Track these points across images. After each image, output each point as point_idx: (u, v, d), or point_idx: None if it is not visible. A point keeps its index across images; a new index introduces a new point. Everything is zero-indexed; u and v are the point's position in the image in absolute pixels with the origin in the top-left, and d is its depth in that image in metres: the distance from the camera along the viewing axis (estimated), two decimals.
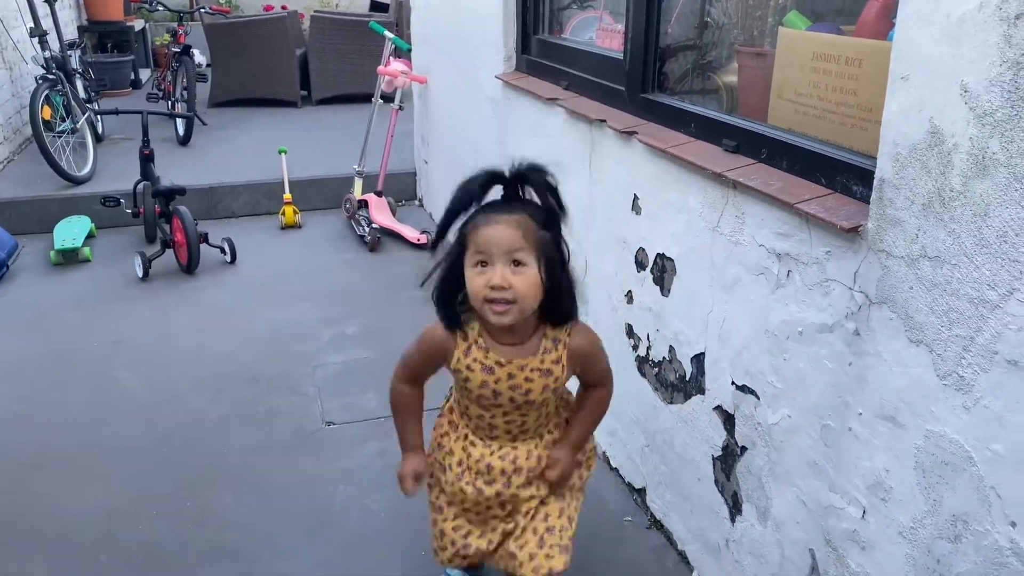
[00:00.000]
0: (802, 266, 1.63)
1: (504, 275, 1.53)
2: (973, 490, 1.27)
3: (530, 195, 1.60)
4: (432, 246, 1.68)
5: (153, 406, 3.00)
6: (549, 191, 1.58)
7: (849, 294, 1.51)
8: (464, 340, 1.66)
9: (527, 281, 1.54)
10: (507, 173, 1.58)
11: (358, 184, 4.89)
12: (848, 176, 1.56)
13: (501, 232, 1.53)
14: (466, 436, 1.78)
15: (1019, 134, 1.14)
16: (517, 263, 1.54)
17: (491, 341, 1.65)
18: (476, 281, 1.56)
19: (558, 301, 1.62)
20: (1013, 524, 1.21)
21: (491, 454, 1.75)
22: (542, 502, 1.80)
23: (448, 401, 1.88)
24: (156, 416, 2.94)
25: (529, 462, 1.76)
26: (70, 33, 7.38)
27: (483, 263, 1.55)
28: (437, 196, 4.84)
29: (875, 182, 1.41)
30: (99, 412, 2.96)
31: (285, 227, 4.97)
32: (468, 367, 1.66)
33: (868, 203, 1.44)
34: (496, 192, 1.60)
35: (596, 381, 1.80)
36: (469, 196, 1.56)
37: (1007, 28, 1.14)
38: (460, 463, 1.77)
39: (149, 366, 3.29)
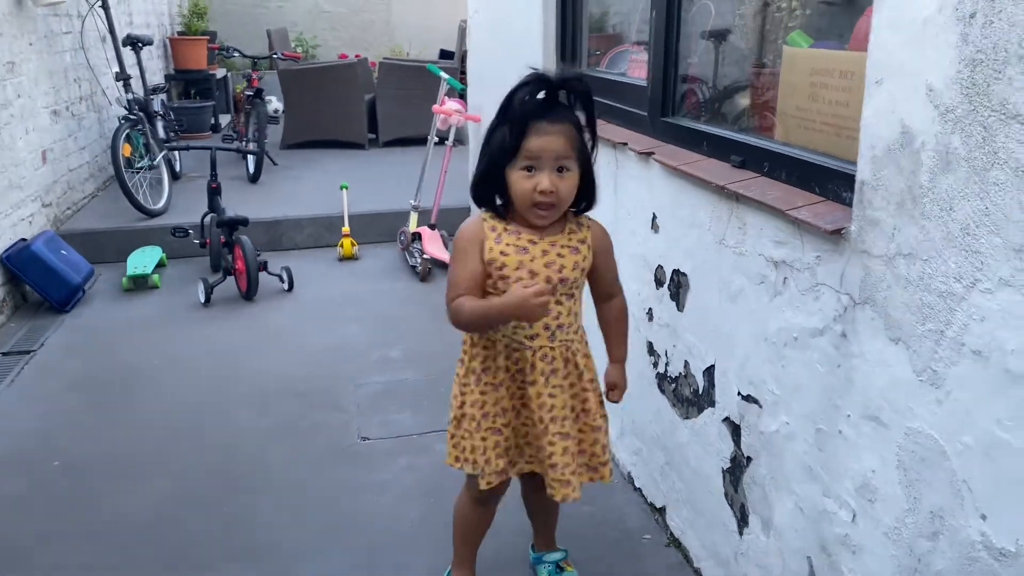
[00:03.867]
0: (796, 272, 1.67)
1: (552, 180, 1.69)
2: (947, 484, 1.28)
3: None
4: (485, 142, 1.81)
5: (202, 418, 3.16)
6: (586, 98, 1.75)
7: (836, 297, 1.53)
8: (493, 231, 1.79)
9: (570, 186, 1.73)
10: (553, 80, 1.73)
11: (413, 218, 5.06)
12: (838, 183, 1.59)
13: (551, 142, 1.68)
14: (506, 346, 1.83)
15: (977, 128, 1.17)
16: (562, 169, 1.71)
17: (520, 226, 1.79)
18: (524, 185, 1.71)
19: (587, 195, 1.81)
20: (983, 517, 1.21)
21: (532, 355, 1.81)
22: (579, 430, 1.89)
23: (471, 337, 1.90)
24: (204, 427, 3.09)
25: (566, 367, 1.85)
26: (156, 79, 7.88)
27: (529, 168, 1.70)
28: None
29: (856, 185, 1.45)
30: (152, 422, 3.14)
31: (343, 258, 5.16)
32: (502, 252, 1.77)
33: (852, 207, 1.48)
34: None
35: (611, 285, 1.94)
36: (522, 100, 1.70)
37: (964, 27, 1.18)
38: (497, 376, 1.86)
39: (203, 382, 3.46)
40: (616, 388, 1.99)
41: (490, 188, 1.80)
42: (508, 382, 1.87)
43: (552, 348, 1.83)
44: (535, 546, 2.24)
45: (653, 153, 2.29)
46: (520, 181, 1.72)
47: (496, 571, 2.24)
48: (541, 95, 1.73)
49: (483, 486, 1.92)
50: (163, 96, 6.88)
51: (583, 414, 1.91)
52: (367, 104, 7.87)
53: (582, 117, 1.77)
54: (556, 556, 2.20)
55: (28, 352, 3.78)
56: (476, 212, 1.89)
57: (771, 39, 2.18)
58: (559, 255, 1.79)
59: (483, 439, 1.88)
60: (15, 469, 2.82)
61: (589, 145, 1.79)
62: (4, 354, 3.76)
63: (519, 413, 1.90)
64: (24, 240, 4.42)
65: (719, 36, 2.38)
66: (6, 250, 4.25)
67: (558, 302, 1.81)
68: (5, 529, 2.50)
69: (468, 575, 2.14)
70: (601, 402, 1.95)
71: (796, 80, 1.86)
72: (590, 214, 1.89)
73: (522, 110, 1.71)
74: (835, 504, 1.58)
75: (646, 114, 2.49)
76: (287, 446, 2.96)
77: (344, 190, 5.33)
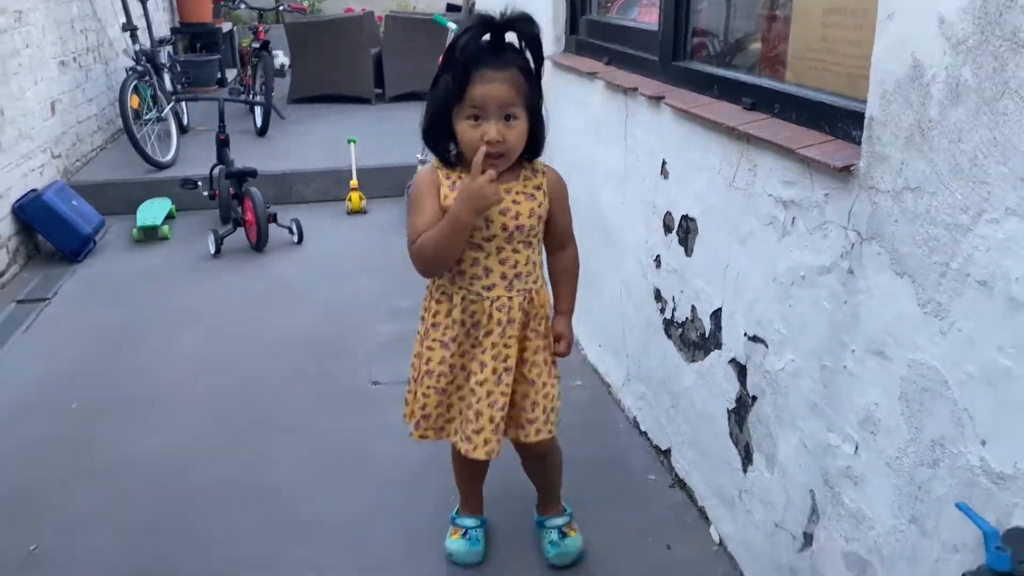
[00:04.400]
0: (804, 211, 1.68)
1: (499, 129, 1.67)
2: (948, 413, 1.30)
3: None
4: (432, 86, 1.75)
5: (214, 365, 3.21)
6: (533, 40, 1.71)
7: (844, 234, 1.55)
8: (448, 179, 1.78)
9: (518, 133, 1.70)
10: (498, 22, 1.67)
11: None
12: (848, 122, 1.60)
13: (496, 89, 1.64)
14: (463, 299, 1.82)
15: (988, 59, 1.18)
16: (509, 117, 1.68)
17: None
18: (471, 134, 1.68)
19: (537, 142, 1.78)
20: (983, 443, 1.24)
21: (490, 304, 1.81)
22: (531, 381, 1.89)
23: (430, 292, 1.92)
24: (216, 374, 3.14)
25: (525, 317, 1.85)
26: (162, 32, 7.83)
27: (476, 116, 1.67)
28: None
29: (865, 121, 1.46)
30: (164, 369, 3.19)
31: (351, 212, 5.18)
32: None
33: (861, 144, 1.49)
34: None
35: (564, 234, 1.92)
36: (466, 45, 1.65)
37: None
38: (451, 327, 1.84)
39: (214, 331, 3.51)
40: (562, 339, 1.93)
41: (440, 135, 1.76)
42: (462, 338, 1.85)
43: (510, 298, 1.82)
44: (538, 508, 2.19)
45: (664, 97, 2.29)
46: (467, 131, 1.68)
47: (505, 536, 2.29)
48: (486, 39, 1.68)
49: (416, 438, 1.96)
50: (169, 49, 6.84)
51: (533, 367, 1.89)
52: (373, 58, 7.81)
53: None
54: (559, 521, 2.13)
55: (42, 300, 3.83)
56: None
57: None
58: (514, 202, 1.77)
59: (424, 394, 1.91)
60: (36, 413, 2.88)
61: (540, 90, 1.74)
62: (19, 302, 3.81)
63: (469, 374, 1.88)
64: (35, 191, 4.45)
65: None
66: (18, 200, 4.28)
67: (515, 251, 1.80)
68: (28, 469, 2.56)
69: (474, 513, 2.19)
70: (555, 362, 1.94)
71: (808, 20, 1.86)
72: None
73: (464, 56, 1.65)
74: (838, 438, 1.61)
75: (657, 59, 2.48)
76: (298, 391, 3.01)
77: (352, 144, 5.32)
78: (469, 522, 2.17)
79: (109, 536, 2.25)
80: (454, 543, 2.13)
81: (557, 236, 1.92)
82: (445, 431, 1.97)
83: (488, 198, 1.67)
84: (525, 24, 1.70)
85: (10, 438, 2.72)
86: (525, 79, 1.69)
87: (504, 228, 1.77)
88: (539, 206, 1.81)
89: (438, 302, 1.87)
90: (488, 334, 1.83)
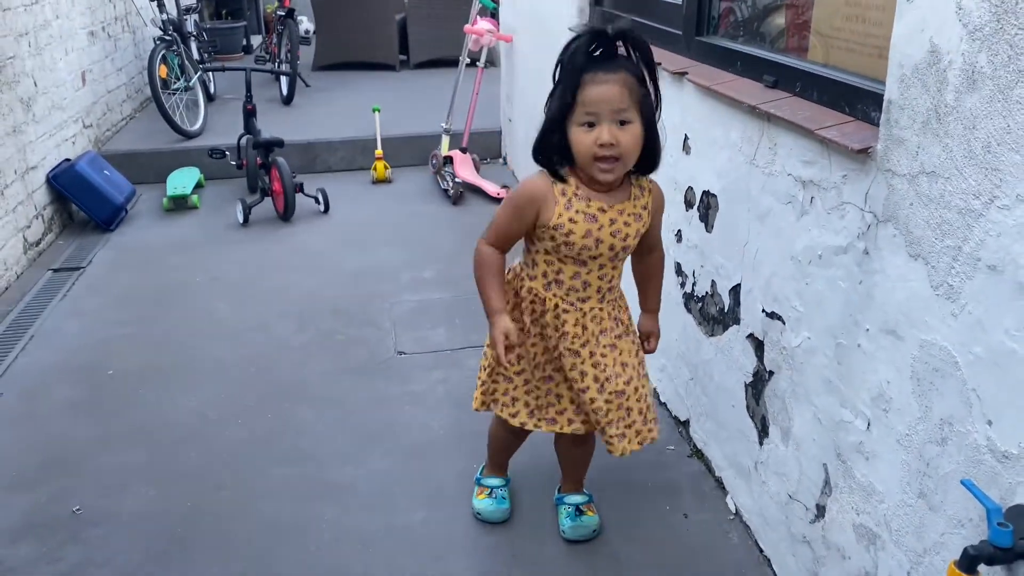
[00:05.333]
0: (823, 191, 1.70)
1: (613, 132, 1.64)
2: (957, 393, 1.34)
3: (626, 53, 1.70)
4: (546, 104, 1.73)
5: (243, 332, 3.30)
6: (644, 50, 1.69)
7: (861, 215, 1.57)
8: (563, 195, 1.75)
9: (632, 138, 1.66)
10: (609, 31, 1.66)
11: (445, 141, 5.09)
12: (868, 103, 1.62)
13: (608, 91, 1.62)
14: (556, 306, 1.85)
15: (1003, 47, 1.19)
16: (623, 122, 1.65)
17: (589, 191, 1.76)
18: (585, 139, 1.66)
19: (651, 154, 1.74)
20: (989, 423, 1.28)
21: (583, 316, 1.85)
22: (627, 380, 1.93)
23: (516, 293, 1.92)
24: (245, 340, 3.23)
25: (616, 325, 1.90)
26: (188, 0, 7.86)
27: (590, 123, 1.65)
28: (520, 153, 4.98)
29: (884, 104, 1.47)
30: (196, 335, 3.28)
31: (376, 181, 5.23)
32: (571, 219, 1.74)
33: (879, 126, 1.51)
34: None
35: (655, 240, 1.93)
36: (575, 55, 1.65)
37: None
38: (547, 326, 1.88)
39: (243, 299, 3.60)
40: (652, 336, 2.04)
41: (551, 149, 1.73)
42: (555, 338, 1.88)
43: (601, 309, 1.87)
44: (561, 487, 2.24)
45: (687, 73, 2.31)
46: (581, 136, 1.66)
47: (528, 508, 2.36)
48: (595, 49, 1.66)
49: (515, 423, 2.01)
50: (195, 16, 6.88)
51: (641, 365, 1.95)
52: (398, 25, 7.80)
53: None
54: (578, 499, 2.18)
55: (77, 268, 3.93)
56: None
57: None
58: (625, 223, 1.77)
59: (507, 379, 1.96)
60: (75, 377, 2.99)
61: (655, 104, 1.72)
62: (55, 270, 3.92)
63: (558, 369, 1.92)
64: (68, 160, 4.54)
65: None
66: (52, 170, 4.37)
67: (614, 267, 1.84)
68: (69, 430, 2.67)
69: (499, 474, 2.27)
70: (643, 359, 1.99)
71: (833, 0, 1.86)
72: None
73: (574, 62, 1.64)
74: (851, 414, 1.65)
75: (680, 33, 2.49)
76: (325, 359, 3.09)
77: (376, 113, 5.35)
78: (495, 482, 2.25)
79: (151, 494, 2.36)
80: (481, 502, 2.22)
81: (649, 242, 1.91)
82: (536, 421, 2.02)
83: (492, 344, 1.83)
84: (636, 34, 1.68)
85: (50, 401, 2.83)
86: (639, 85, 1.66)
87: (611, 248, 1.78)
88: (643, 225, 1.81)
89: (532, 303, 1.88)
90: (585, 344, 1.86)
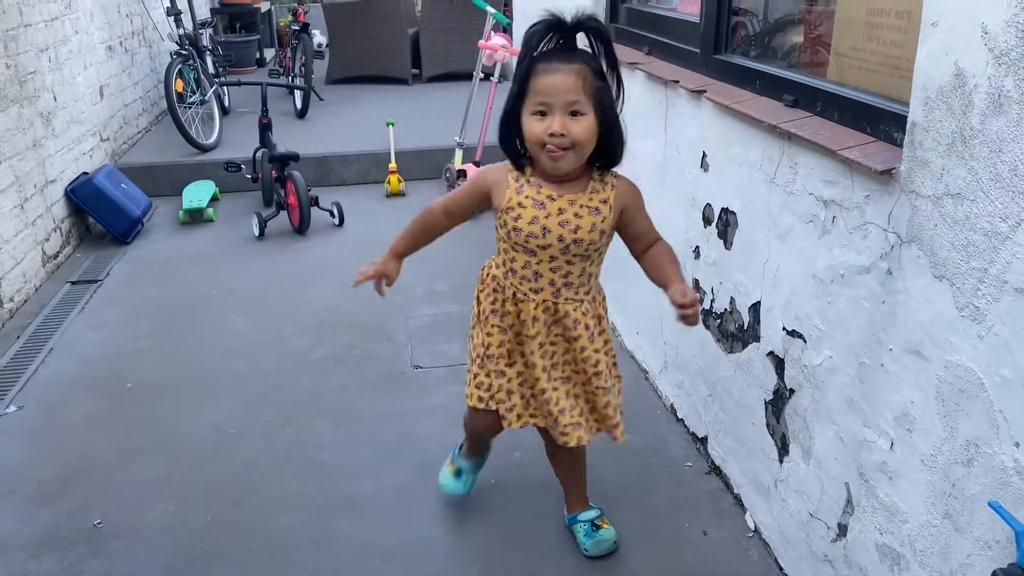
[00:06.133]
0: (845, 211, 1.71)
1: (563, 123, 1.65)
2: (984, 415, 1.34)
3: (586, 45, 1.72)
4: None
5: (260, 345, 3.32)
6: (605, 41, 1.69)
7: (884, 235, 1.58)
8: (516, 180, 1.80)
9: (583, 128, 1.66)
10: (568, 22, 1.67)
11: (458, 155, 5.12)
12: (890, 124, 1.62)
13: (561, 80, 1.63)
14: (513, 295, 1.88)
15: None
16: (575, 113, 1.65)
17: (543, 179, 1.78)
18: (535, 127, 1.68)
19: (609, 148, 1.74)
20: (1017, 445, 1.28)
21: (535, 307, 1.85)
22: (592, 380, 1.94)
23: (484, 282, 1.97)
24: (262, 354, 3.25)
25: (574, 325, 1.88)
26: (203, 14, 7.93)
27: (542, 112, 1.66)
28: None
29: (908, 126, 1.48)
30: (213, 348, 3.30)
31: (390, 195, 5.26)
32: (520, 204, 1.77)
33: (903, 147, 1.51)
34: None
35: (647, 234, 1.88)
36: (531, 42, 1.67)
37: None
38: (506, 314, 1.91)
39: (259, 312, 3.62)
40: (685, 304, 1.74)
41: (511, 135, 1.77)
42: (519, 327, 1.90)
43: (555, 303, 1.86)
44: (568, 507, 2.22)
45: (705, 91, 2.32)
46: (532, 124, 1.68)
47: (530, 532, 2.36)
48: (552, 39, 1.68)
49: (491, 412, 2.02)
50: (210, 30, 6.95)
51: (595, 376, 1.93)
52: (411, 38, 7.86)
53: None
54: (591, 514, 2.17)
55: (95, 281, 3.97)
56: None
57: None
58: (576, 215, 1.76)
59: (487, 375, 1.96)
60: (94, 389, 3.01)
61: (616, 96, 1.73)
62: (73, 283, 3.95)
63: (527, 363, 1.93)
64: (86, 174, 4.58)
65: None
66: (70, 183, 4.41)
67: (568, 262, 1.81)
68: (88, 443, 2.69)
69: (474, 457, 2.30)
70: (614, 364, 2.00)
71: (852, 19, 1.87)
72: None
73: (529, 48, 1.67)
74: (874, 433, 1.65)
75: (698, 51, 2.51)
76: (341, 373, 3.10)
77: (390, 126, 5.39)
78: (466, 465, 2.30)
79: (170, 507, 2.37)
80: (446, 478, 2.30)
81: (641, 238, 1.89)
82: (505, 405, 2.01)
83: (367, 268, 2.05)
84: (596, 24, 1.69)
85: (70, 414, 2.85)
86: (595, 78, 1.66)
87: (560, 240, 1.77)
88: (603, 221, 1.78)
89: (494, 291, 1.91)
90: (535, 335, 1.88)
